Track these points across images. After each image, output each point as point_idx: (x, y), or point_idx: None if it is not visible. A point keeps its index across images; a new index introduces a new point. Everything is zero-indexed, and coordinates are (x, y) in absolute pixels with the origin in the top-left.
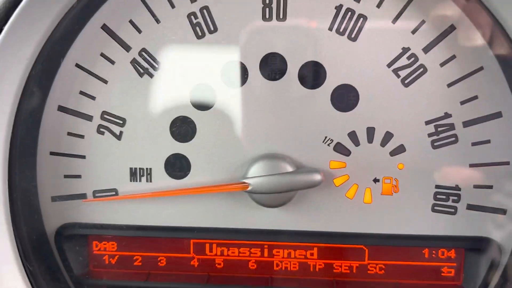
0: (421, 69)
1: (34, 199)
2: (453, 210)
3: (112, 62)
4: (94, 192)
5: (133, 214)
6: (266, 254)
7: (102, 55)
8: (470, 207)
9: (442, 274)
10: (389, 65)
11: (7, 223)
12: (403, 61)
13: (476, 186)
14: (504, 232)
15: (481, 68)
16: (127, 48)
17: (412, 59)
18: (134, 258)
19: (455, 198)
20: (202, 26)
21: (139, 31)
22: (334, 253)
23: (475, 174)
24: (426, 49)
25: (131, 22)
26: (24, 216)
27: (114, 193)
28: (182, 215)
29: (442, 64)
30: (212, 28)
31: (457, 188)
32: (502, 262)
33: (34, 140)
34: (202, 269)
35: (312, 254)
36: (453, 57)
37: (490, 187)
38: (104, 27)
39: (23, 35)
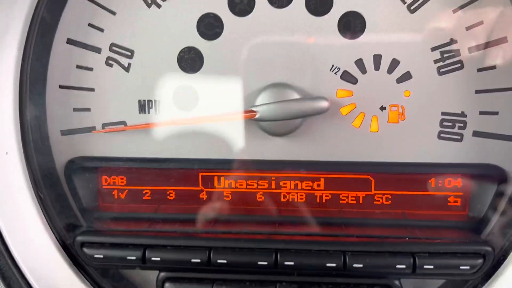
0: None
1: (44, 132)
2: (459, 137)
3: None
4: (104, 125)
5: (142, 147)
6: (273, 186)
7: None
8: (476, 134)
9: (448, 203)
10: None
11: (19, 152)
12: None
13: (482, 113)
14: (511, 158)
15: None
16: None
17: None
18: (144, 192)
19: (461, 125)
20: None
21: None
22: (341, 183)
23: (481, 100)
24: None
25: None
26: (35, 144)
27: (123, 125)
28: (190, 147)
29: None
30: None
31: (463, 114)
32: (508, 189)
33: (43, 71)
34: (211, 202)
35: (318, 185)
36: None
37: (496, 113)
38: None
39: None
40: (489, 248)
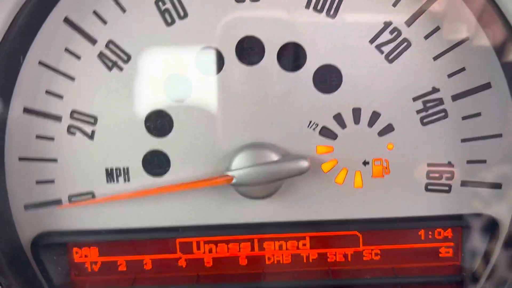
0: (405, 43)
1: (5, 209)
2: (447, 188)
3: (78, 57)
4: (70, 196)
5: (113, 217)
6: (256, 248)
7: (67, 50)
8: (464, 183)
9: (440, 255)
10: (371, 41)
11: None
12: (386, 36)
13: (469, 162)
14: (501, 206)
15: (467, 39)
16: (92, 41)
17: (395, 33)
18: (118, 263)
19: (449, 175)
20: (172, 12)
21: (105, 22)
22: (327, 241)
23: (468, 148)
24: (408, 22)
25: (95, 13)
26: None
27: (91, 196)
28: (165, 215)
29: (426, 37)
30: (182, 14)
31: (450, 164)
32: (501, 237)
33: (0, 146)
34: (191, 269)
35: (304, 245)
36: (437, 28)
37: (484, 161)
38: (67, 20)
39: None
40: None
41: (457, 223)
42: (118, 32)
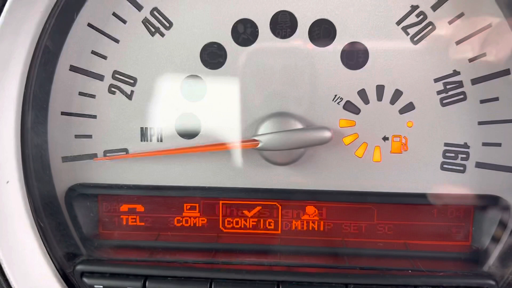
0: (430, 27)
1: (45, 158)
2: (462, 168)
3: (124, 22)
4: (105, 152)
5: (143, 174)
6: (275, 213)
7: (114, 14)
8: (479, 165)
9: (451, 234)
10: (398, 23)
11: (19, 179)
12: (412, 18)
13: (484, 144)
14: None
15: (489, 26)
16: (138, 7)
17: (421, 16)
18: (144, 218)
19: (464, 156)
20: None
21: None
22: (343, 213)
23: (484, 131)
24: (434, 7)
25: None
26: (36, 172)
27: (125, 152)
28: (192, 175)
29: (450, 22)
30: None
31: (466, 146)
32: (511, 220)
33: (46, 98)
34: (211, 229)
35: (321, 214)
36: (462, 14)
37: (499, 144)
38: None
39: None
40: (492, 282)
41: (470, 203)
42: (162, 0)
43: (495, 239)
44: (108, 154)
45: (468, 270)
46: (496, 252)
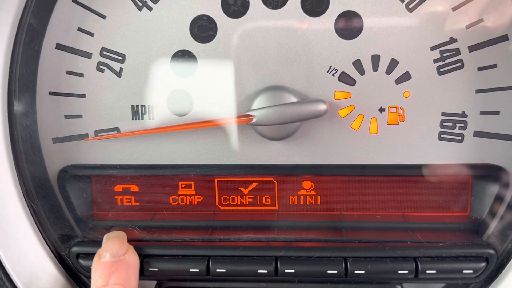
0: None
1: (35, 139)
2: (460, 138)
3: None
4: (96, 132)
5: (136, 153)
6: (271, 189)
7: None
8: (477, 134)
9: (450, 205)
10: None
11: (9, 161)
12: None
13: (482, 112)
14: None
15: None
16: None
17: None
18: (138, 198)
19: (462, 125)
20: None
21: None
22: (340, 186)
23: (482, 99)
24: None
25: None
26: (26, 154)
27: (116, 132)
28: (186, 152)
29: None
30: None
31: (463, 114)
32: (510, 189)
33: (33, 78)
34: (208, 207)
35: (318, 188)
36: None
37: (497, 112)
38: None
39: None
40: (492, 251)
41: (468, 172)
42: None
43: (494, 209)
44: (99, 134)
45: (468, 240)
46: (495, 222)
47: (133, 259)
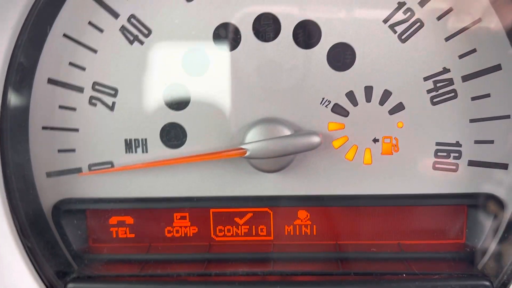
0: (418, 24)
1: (28, 175)
2: (454, 167)
3: (101, 30)
4: (90, 165)
5: (130, 186)
6: (267, 220)
7: (90, 23)
8: (471, 163)
9: (445, 234)
10: (385, 21)
11: (2, 199)
12: (399, 16)
13: (477, 142)
14: (506, 187)
15: (479, 20)
16: (115, 15)
17: (408, 13)
18: (134, 230)
19: (456, 154)
20: None
21: None
22: (335, 216)
23: (476, 129)
24: (422, 3)
25: None
26: (20, 192)
27: (110, 165)
28: (180, 185)
29: (439, 18)
30: None
31: (458, 144)
32: (505, 217)
33: (25, 114)
34: (203, 239)
35: (313, 218)
36: (450, 10)
37: (491, 142)
38: None
39: (7, 3)
40: (487, 283)
41: (463, 202)
42: (139, 7)
43: (489, 238)
44: (93, 168)
45: (463, 270)
46: (490, 250)
47: None
